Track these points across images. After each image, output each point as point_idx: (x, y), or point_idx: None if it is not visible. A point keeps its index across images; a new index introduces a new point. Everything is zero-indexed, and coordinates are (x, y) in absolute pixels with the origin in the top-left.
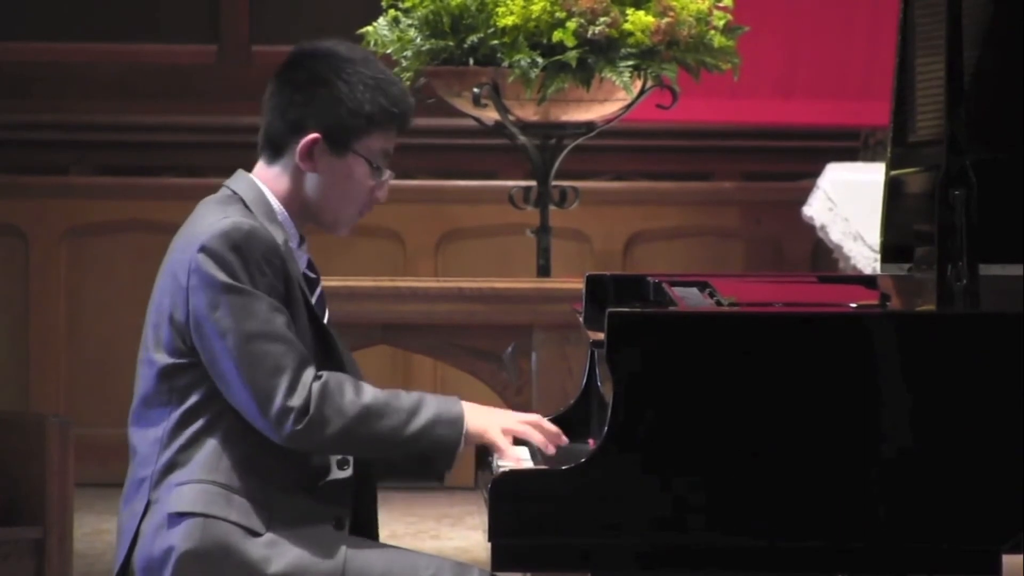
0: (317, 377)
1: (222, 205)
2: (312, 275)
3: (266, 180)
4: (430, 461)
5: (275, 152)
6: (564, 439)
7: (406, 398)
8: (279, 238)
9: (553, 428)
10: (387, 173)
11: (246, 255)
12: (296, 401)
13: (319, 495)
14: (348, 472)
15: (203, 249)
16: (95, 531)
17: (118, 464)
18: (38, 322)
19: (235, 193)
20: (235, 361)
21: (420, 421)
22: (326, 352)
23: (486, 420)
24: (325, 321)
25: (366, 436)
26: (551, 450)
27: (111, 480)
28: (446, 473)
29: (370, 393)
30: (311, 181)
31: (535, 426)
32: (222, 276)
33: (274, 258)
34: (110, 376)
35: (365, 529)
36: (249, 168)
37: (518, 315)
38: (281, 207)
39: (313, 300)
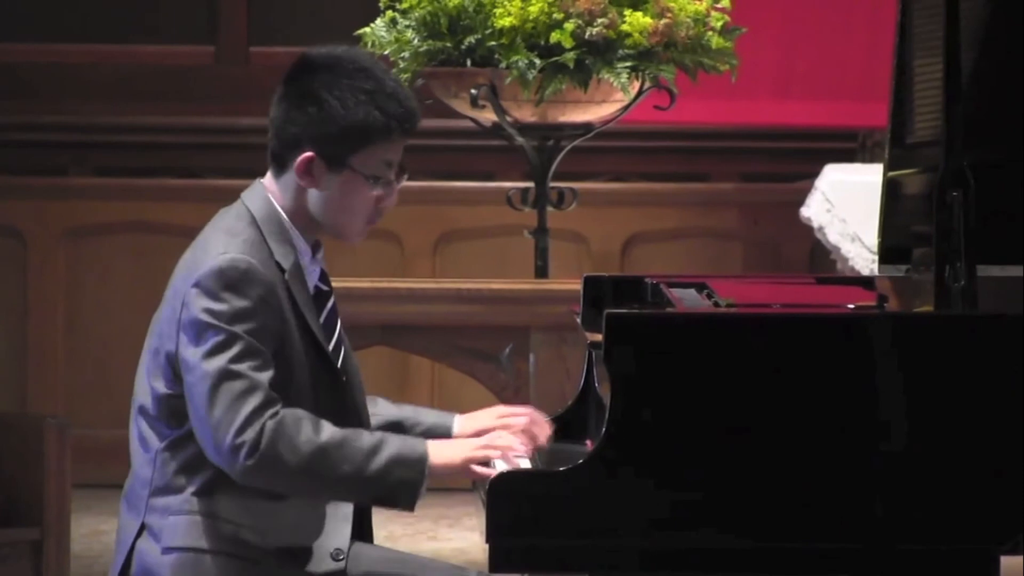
0: (275, 415)
1: (229, 234)
2: (324, 288)
3: (274, 193)
4: (392, 501)
5: (279, 167)
6: (537, 417)
7: (367, 438)
8: (289, 259)
9: (519, 411)
10: (398, 178)
11: (239, 295)
12: (248, 436)
13: (318, 529)
14: (344, 546)
15: (197, 285)
16: (93, 532)
17: (116, 465)
18: (36, 323)
19: (248, 210)
20: (200, 396)
21: (379, 462)
22: (328, 383)
23: (449, 453)
24: (336, 335)
25: (322, 475)
26: (528, 445)
27: (109, 481)
28: (412, 509)
29: (328, 432)
30: (313, 196)
31: (500, 435)
32: (207, 316)
33: (271, 298)
34: (108, 377)
35: (360, 533)
36: (250, 171)
37: (516, 316)
38: (290, 222)
39: (323, 316)
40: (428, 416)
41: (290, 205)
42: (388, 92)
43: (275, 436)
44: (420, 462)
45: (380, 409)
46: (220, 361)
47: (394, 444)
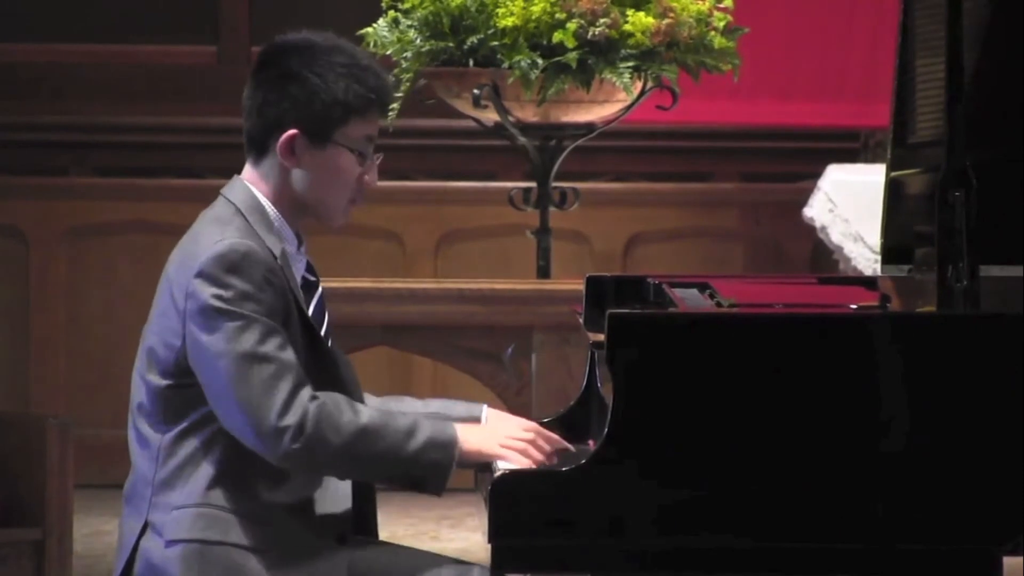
0: (314, 397)
1: (219, 224)
2: (311, 278)
3: (255, 182)
4: (422, 483)
5: (259, 152)
6: (565, 445)
7: (402, 420)
8: (277, 248)
9: (553, 436)
10: (374, 157)
11: (244, 277)
12: (292, 419)
13: (319, 514)
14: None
15: (200, 274)
16: (95, 532)
17: (118, 465)
18: (38, 323)
19: (232, 203)
20: (229, 383)
21: (415, 444)
22: (323, 366)
23: (480, 439)
24: (325, 324)
25: (363, 457)
26: (553, 460)
27: (111, 481)
28: (440, 492)
29: (367, 414)
30: (297, 176)
31: (533, 438)
32: (217, 302)
33: (273, 277)
34: (110, 377)
35: (364, 528)
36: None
37: (518, 316)
38: (275, 210)
39: (311, 306)
40: (457, 409)
41: (274, 191)
42: (364, 66)
43: (319, 418)
44: (451, 444)
45: (407, 407)
46: (244, 345)
47: (427, 426)
